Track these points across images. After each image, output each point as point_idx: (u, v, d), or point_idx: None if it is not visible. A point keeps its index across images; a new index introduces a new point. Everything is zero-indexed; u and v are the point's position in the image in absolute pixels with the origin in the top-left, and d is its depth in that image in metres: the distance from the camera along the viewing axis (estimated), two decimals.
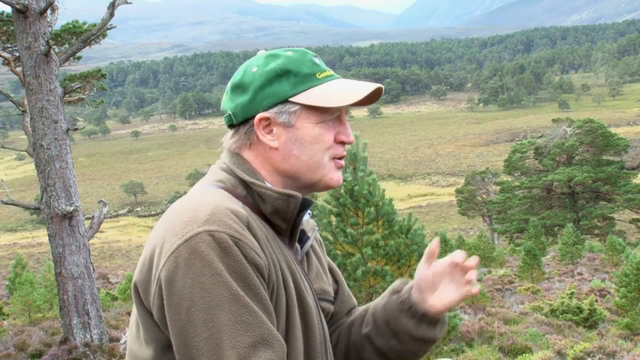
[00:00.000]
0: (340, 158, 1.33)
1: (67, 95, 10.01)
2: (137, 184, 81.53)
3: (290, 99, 1.27)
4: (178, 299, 1.11)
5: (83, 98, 11.80)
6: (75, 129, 9.80)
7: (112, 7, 9.21)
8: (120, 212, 77.03)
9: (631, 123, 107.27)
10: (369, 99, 1.32)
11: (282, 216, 1.28)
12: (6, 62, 12.20)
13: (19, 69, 10.63)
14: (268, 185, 1.29)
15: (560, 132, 44.29)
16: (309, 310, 1.29)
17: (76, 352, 8.63)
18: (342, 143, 1.33)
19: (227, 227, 1.14)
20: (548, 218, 39.77)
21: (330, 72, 1.33)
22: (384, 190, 7.08)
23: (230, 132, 1.34)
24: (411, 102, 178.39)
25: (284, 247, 1.30)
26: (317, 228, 1.50)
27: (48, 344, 10.18)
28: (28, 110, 9.27)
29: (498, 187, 44.92)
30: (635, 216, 39.95)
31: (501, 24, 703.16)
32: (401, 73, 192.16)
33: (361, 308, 1.57)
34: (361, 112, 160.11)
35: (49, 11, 8.81)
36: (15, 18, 8.68)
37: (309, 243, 1.44)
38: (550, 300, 14.53)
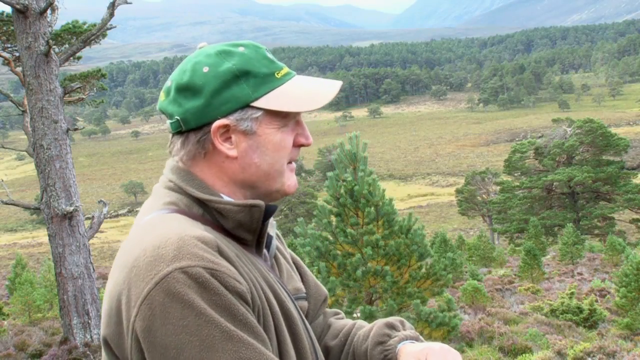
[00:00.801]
0: (293, 161, 1.26)
1: (67, 95, 10.01)
2: (137, 184, 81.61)
3: (252, 104, 1.16)
4: (162, 349, 1.00)
5: (83, 98, 11.80)
6: (75, 129, 9.80)
7: (112, 7, 9.21)
8: (120, 212, 77.01)
9: (631, 123, 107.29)
10: None
11: (247, 228, 1.18)
12: (6, 62, 12.20)
13: (19, 69, 10.64)
14: (226, 199, 1.18)
15: (560, 132, 44.31)
16: (294, 320, 1.22)
17: (76, 352, 8.63)
18: (300, 146, 1.25)
19: (199, 259, 1.02)
20: (548, 218, 39.78)
21: (286, 68, 1.23)
22: (384, 190, 7.09)
23: (177, 139, 1.19)
24: (411, 102, 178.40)
25: (254, 258, 1.21)
26: (274, 223, 1.40)
27: (48, 344, 10.19)
28: (28, 110, 9.27)
29: (498, 187, 44.94)
30: (635, 216, 39.95)
31: (501, 24, 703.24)
32: (401, 73, 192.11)
33: (340, 327, 1.47)
34: (361, 112, 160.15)
35: (49, 11, 8.81)
36: (15, 18, 8.68)
37: (274, 245, 1.34)
38: (550, 300, 14.53)
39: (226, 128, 1.16)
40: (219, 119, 1.16)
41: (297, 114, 1.22)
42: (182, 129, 1.17)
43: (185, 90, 1.16)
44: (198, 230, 1.09)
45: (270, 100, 1.17)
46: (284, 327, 1.17)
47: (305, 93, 1.19)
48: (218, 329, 1.00)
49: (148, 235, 1.08)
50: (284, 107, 1.17)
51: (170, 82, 1.19)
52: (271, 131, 1.18)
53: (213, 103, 1.15)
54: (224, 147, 1.17)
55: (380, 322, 1.40)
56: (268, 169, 1.19)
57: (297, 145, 1.24)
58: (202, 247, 1.04)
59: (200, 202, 1.17)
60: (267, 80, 1.18)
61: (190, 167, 1.20)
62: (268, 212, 1.21)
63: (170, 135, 1.22)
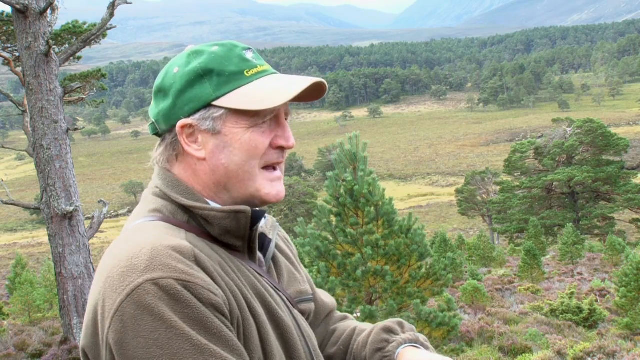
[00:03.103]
0: (274, 166, 1.19)
1: (67, 95, 10.02)
2: (137, 184, 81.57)
3: (214, 103, 1.13)
4: None
5: (83, 98, 11.81)
6: (75, 129, 9.80)
7: (112, 7, 9.22)
8: (120, 212, 77.03)
9: (631, 123, 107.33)
10: (311, 95, 1.19)
11: (234, 235, 1.15)
12: (6, 62, 12.21)
13: (19, 69, 10.65)
14: (211, 204, 1.15)
15: (560, 132, 44.30)
16: (288, 329, 1.18)
17: (76, 352, 8.63)
18: (281, 148, 1.18)
19: (171, 270, 1.00)
20: (548, 218, 39.78)
21: (263, 67, 1.18)
22: (384, 190, 7.08)
23: (157, 142, 1.20)
24: (411, 102, 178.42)
25: (244, 265, 1.17)
26: (277, 224, 1.36)
27: (48, 344, 10.19)
28: (28, 110, 9.27)
29: (498, 187, 44.95)
30: (635, 216, 39.95)
31: (501, 24, 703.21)
32: (401, 73, 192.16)
33: (340, 333, 1.43)
34: (361, 112, 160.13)
35: (49, 11, 8.81)
36: (15, 18, 8.68)
37: (272, 247, 1.29)
38: (550, 300, 14.53)
39: (191, 129, 1.14)
40: (182, 118, 1.14)
41: (272, 112, 1.16)
42: (157, 131, 1.19)
43: (159, 91, 1.17)
44: (175, 239, 1.06)
45: (232, 99, 1.13)
46: (273, 338, 1.14)
47: (270, 91, 1.14)
48: (189, 343, 0.98)
49: (125, 244, 1.07)
50: (242, 105, 1.12)
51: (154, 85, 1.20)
52: (238, 131, 1.14)
53: (178, 103, 1.14)
54: (192, 149, 1.15)
55: (378, 326, 1.36)
56: (236, 169, 1.14)
57: (276, 147, 1.18)
58: (176, 257, 1.02)
59: (185, 208, 1.15)
60: (233, 79, 1.14)
61: (171, 170, 1.19)
62: (255, 218, 1.17)
63: None
